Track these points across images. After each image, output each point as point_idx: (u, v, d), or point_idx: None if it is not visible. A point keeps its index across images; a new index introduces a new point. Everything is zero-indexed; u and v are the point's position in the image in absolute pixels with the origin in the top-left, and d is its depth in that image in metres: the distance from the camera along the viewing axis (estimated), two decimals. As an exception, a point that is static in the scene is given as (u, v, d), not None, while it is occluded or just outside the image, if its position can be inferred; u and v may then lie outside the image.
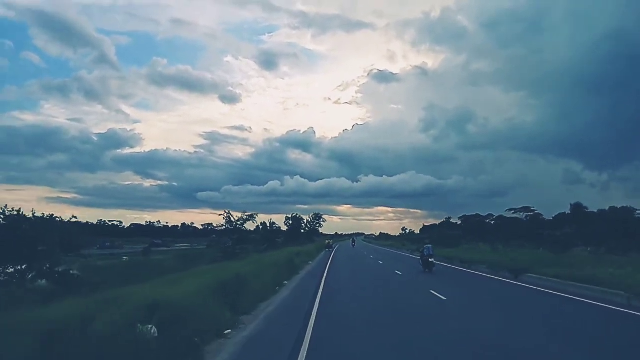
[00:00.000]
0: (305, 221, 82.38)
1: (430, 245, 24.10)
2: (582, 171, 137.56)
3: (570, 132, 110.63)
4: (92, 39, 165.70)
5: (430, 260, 22.89)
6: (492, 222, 72.96)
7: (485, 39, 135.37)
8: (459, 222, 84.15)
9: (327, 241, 66.45)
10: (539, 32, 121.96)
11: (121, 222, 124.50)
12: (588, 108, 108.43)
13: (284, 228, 70.72)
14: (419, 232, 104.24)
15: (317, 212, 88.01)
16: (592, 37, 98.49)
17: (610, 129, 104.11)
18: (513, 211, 57.96)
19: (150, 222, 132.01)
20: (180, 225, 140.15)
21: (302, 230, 79.09)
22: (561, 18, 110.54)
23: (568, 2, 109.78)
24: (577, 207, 56.70)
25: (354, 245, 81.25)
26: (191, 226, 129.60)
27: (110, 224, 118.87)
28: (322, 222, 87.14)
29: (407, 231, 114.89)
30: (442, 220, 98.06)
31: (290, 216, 77.23)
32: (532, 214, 57.38)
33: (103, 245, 68.71)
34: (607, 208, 51.42)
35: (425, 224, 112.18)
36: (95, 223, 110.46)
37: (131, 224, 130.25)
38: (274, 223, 59.49)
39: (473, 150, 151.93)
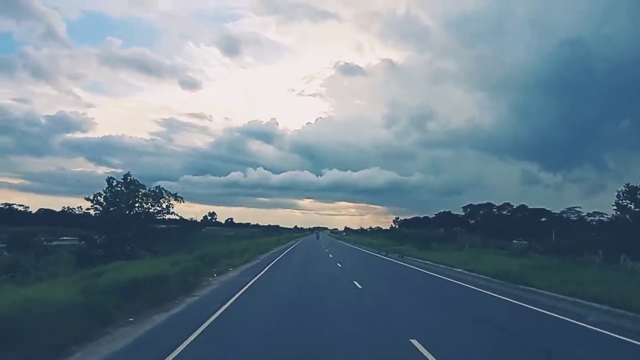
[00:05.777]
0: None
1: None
2: (538, 172, 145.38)
3: (528, 134, 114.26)
4: (39, 12, 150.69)
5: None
6: (507, 213, 65.05)
7: (450, 38, 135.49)
8: (461, 214, 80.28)
9: None
10: (501, 34, 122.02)
11: (27, 207, 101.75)
12: (545, 111, 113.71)
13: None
14: (389, 228, 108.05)
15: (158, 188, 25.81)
16: (552, 43, 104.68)
17: (565, 132, 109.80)
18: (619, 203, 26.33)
19: (68, 208, 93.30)
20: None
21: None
22: (524, 22, 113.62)
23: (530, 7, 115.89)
24: None
25: (318, 238, 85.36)
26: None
27: (13, 209, 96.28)
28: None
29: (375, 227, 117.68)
30: (439, 213, 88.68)
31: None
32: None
33: None
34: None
35: (401, 219, 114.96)
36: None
37: (40, 209, 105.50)
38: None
39: (434, 148, 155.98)
